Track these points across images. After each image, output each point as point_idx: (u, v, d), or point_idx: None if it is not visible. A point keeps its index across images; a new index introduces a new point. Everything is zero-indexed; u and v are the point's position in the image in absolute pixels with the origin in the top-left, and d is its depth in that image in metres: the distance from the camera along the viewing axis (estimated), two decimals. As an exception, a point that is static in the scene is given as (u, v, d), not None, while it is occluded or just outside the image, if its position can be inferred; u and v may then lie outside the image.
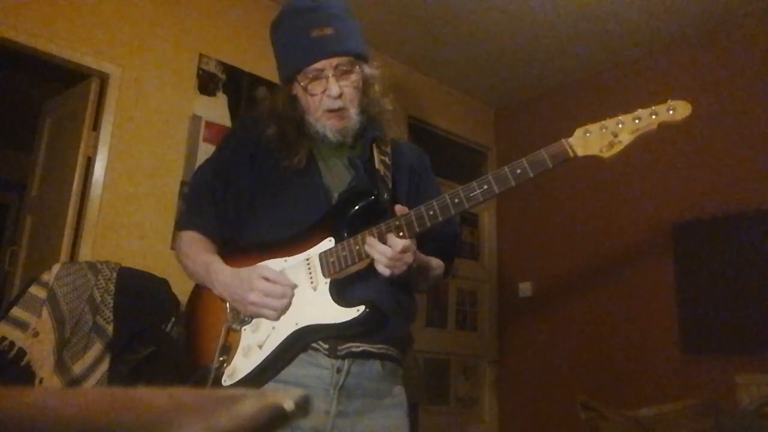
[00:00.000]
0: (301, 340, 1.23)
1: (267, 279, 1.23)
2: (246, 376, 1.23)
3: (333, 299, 1.23)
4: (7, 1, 2.68)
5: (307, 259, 1.27)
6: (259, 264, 1.28)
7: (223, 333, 1.27)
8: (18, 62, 3.35)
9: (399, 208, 1.23)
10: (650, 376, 3.43)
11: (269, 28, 1.43)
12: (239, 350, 1.26)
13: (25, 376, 2.03)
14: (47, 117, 3.37)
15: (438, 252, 1.44)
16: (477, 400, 4.28)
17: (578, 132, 1.16)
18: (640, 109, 1.15)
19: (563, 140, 1.16)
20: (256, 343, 1.25)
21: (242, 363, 1.24)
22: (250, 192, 1.38)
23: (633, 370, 3.52)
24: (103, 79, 2.94)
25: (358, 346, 1.24)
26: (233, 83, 3.32)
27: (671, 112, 1.13)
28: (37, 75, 4.06)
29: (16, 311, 2.12)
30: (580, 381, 3.73)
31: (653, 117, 1.13)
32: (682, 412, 2.58)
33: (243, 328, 1.27)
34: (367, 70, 1.40)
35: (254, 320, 1.27)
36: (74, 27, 2.85)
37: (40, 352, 2.07)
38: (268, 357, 1.23)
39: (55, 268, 2.25)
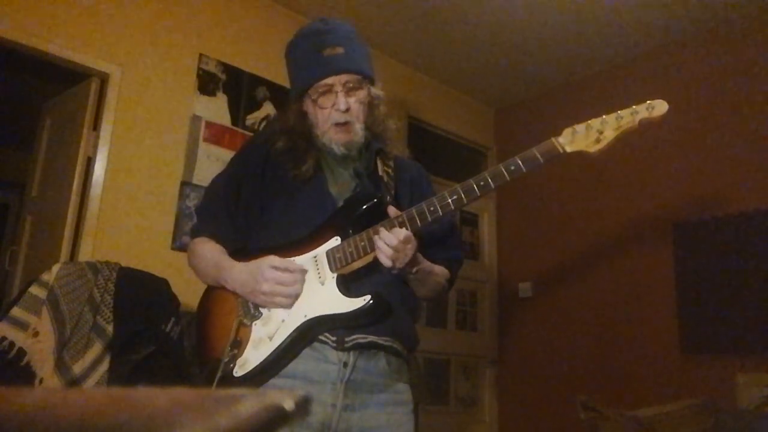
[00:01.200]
0: (310, 332, 1.28)
1: (277, 268, 1.29)
2: (256, 367, 1.28)
3: (340, 291, 1.29)
4: (7, 1, 2.68)
5: (315, 257, 1.33)
6: (267, 256, 1.33)
7: (233, 327, 1.32)
8: (18, 62, 3.35)
9: (392, 210, 1.30)
10: (650, 376, 3.44)
11: (285, 49, 1.52)
12: (250, 343, 1.30)
13: (25, 376, 2.03)
14: (47, 117, 3.37)
15: (441, 258, 1.49)
16: (477, 400, 4.28)
17: (566, 131, 1.27)
18: (621, 110, 1.27)
19: (553, 138, 1.27)
20: (266, 335, 1.30)
21: (253, 355, 1.29)
22: (260, 201, 1.46)
23: (633, 370, 3.52)
24: (103, 79, 2.94)
25: (365, 338, 1.29)
26: (233, 83, 3.32)
27: (650, 110, 1.25)
28: (37, 75, 4.06)
29: (16, 311, 2.12)
30: (580, 381, 3.73)
31: (633, 115, 1.25)
32: (682, 412, 2.58)
33: (253, 323, 1.32)
34: (374, 91, 1.48)
35: (264, 314, 1.32)
36: (74, 27, 2.85)
37: (40, 352, 2.07)
38: (278, 348, 1.28)
39: (55, 268, 2.24)
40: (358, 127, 1.42)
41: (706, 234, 3.33)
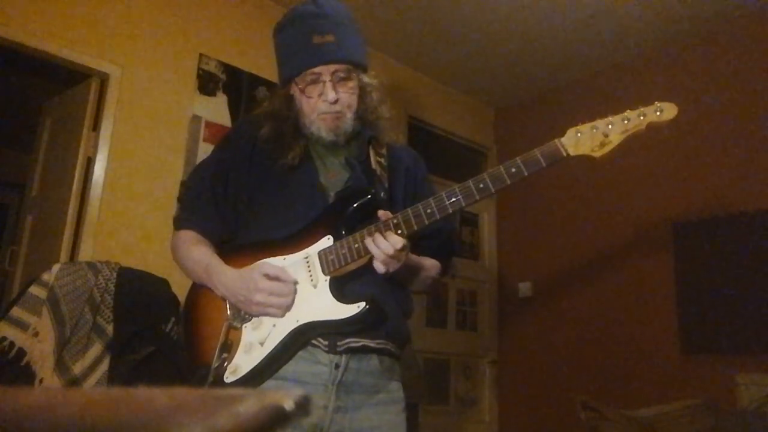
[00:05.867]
0: (302, 337, 1.25)
1: (269, 276, 1.25)
2: (248, 372, 1.25)
3: (333, 296, 1.25)
4: (7, 1, 2.68)
5: (306, 258, 1.28)
6: (259, 261, 1.29)
7: (223, 331, 1.28)
8: (18, 62, 3.36)
9: (382, 214, 1.25)
10: (650, 376, 3.43)
11: (273, 30, 1.46)
12: (240, 347, 1.27)
13: (25, 376, 2.03)
14: (47, 117, 3.37)
15: (434, 250, 1.46)
16: (477, 400, 4.28)
17: (570, 132, 1.20)
18: (628, 110, 1.20)
19: (556, 140, 1.21)
20: (257, 341, 1.26)
21: (244, 360, 1.26)
22: (248, 191, 1.40)
23: (633, 370, 3.52)
24: (103, 79, 2.94)
25: (358, 341, 1.26)
26: (233, 83, 3.32)
27: (659, 113, 1.18)
28: (37, 75, 4.06)
29: (16, 311, 2.12)
30: (580, 381, 3.73)
31: (641, 118, 1.18)
32: (682, 412, 2.58)
33: (244, 326, 1.29)
34: (365, 78, 1.42)
35: (255, 318, 1.28)
36: (74, 27, 2.85)
37: (40, 352, 2.07)
38: (269, 354, 1.25)
39: (55, 268, 2.24)
40: (349, 117, 1.37)
41: (706, 234, 3.33)
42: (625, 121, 1.18)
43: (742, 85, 3.39)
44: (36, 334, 2.09)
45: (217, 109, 3.23)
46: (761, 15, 3.38)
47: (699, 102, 3.47)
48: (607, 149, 1.19)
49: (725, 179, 3.35)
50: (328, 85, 1.34)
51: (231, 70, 3.32)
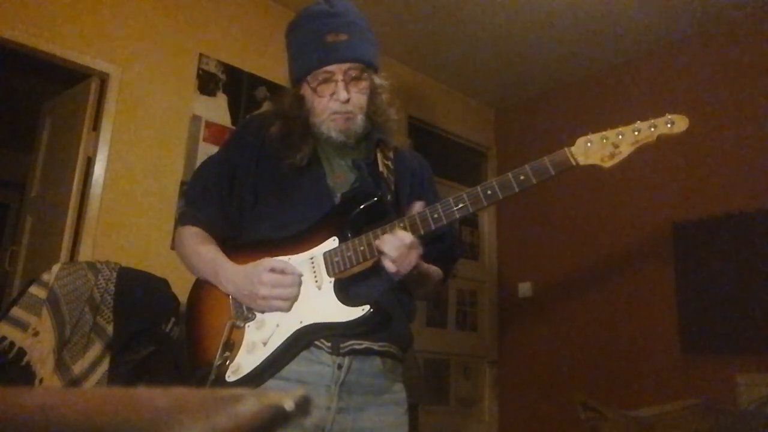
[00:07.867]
0: (305, 338, 1.24)
1: (274, 270, 1.24)
2: (250, 372, 1.24)
3: (338, 298, 1.24)
4: (7, 1, 2.68)
5: (311, 258, 1.28)
6: (263, 258, 1.28)
7: (226, 330, 1.27)
8: (18, 62, 3.35)
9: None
10: (650, 376, 3.44)
11: (286, 28, 1.46)
12: (243, 347, 1.27)
13: (25, 376, 2.03)
14: (47, 117, 3.37)
15: (437, 255, 1.45)
16: (477, 400, 4.28)
17: (580, 141, 1.20)
18: (639, 122, 1.20)
19: (566, 149, 1.20)
20: (260, 340, 1.26)
21: (246, 360, 1.25)
22: (254, 190, 1.40)
23: (633, 370, 3.52)
24: (103, 79, 2.94)
25: (361, 344, 1.26)
26: (233, 83, 3.32)
27: (670, 125, 1.19)
28: (37, 75, 4.06)
29: (16, 311, 2.12)
30: (580, 381, 3.73)
31: (652, 129, 1.19)
32: (682, 412, 2.58)
33: (247, 325, 1.28)
34: (377, 79, 1.42)
35: (258, 317, 1.28)
36: (74, 27, 2.85)
37: (40, 352, 2.07)
38: (272, 354, 1.24)
39: (55, 268, 2.25)
40: (359, 118, 1.37)
41: (706, 234, 3.33)
42: (636, 132, 1.18)
43: (742, 85, 3.39)
44: (36, 334, 2.09)
45: (217, 109, 3.23)
46: (761, 15, 3.38)
47: (699, 102, 3.47)
48: (616, 160, 1.19)
49: (725, 179, 3.35)
50: (341, 84, 1.33)
51: (231, 70, 3.32)
